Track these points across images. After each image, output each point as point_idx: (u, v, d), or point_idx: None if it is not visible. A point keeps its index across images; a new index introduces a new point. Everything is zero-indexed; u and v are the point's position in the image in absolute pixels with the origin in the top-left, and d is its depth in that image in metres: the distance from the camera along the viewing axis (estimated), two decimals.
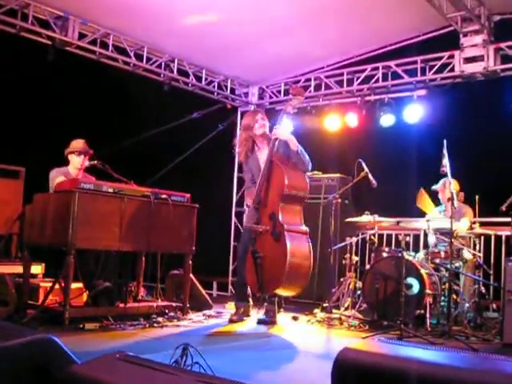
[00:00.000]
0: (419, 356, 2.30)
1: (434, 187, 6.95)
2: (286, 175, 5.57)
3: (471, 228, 6.57)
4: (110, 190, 5.47)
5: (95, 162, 6.09)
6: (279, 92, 9.66)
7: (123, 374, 1.94)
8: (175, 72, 8.64)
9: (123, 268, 5.97)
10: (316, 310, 6.71)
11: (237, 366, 4.06)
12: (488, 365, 2.31)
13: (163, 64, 8.50)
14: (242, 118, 9.72)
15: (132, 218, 5.59)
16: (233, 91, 9.75)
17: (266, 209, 5.62)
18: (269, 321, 6.07)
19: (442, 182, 6.81)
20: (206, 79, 9.15)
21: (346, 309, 6.58)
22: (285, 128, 5.95)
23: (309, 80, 9.16)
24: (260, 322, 6.05)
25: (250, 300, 6.32)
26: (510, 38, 7.35)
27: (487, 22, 7.37)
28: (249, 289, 6.18)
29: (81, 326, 5.06)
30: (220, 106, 9.72)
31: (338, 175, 8.07)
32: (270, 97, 9.82)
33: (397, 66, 8.26)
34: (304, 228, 5.69)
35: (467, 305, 6.13)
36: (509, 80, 7.46)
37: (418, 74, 8.08)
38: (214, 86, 9.36)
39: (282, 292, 5.56)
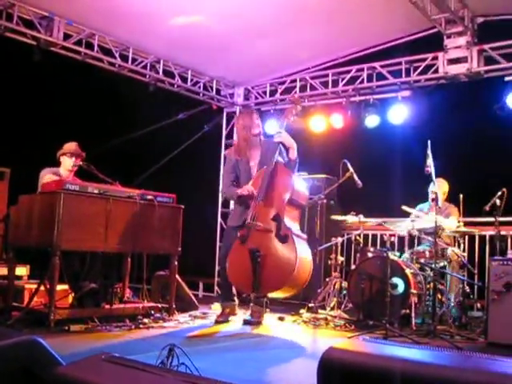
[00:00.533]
0: (404, 355, 2.32)
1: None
2: (294, 180, 5.69)
3: (456, 227, 6.62)
4: (96, 191, 5.45)
5: (80, 162, 6.08)
6: (265, 93, 9.68)
7: (108, 375, 1.94)
8: (161, 73, 8.63)
9: (109, 269, 5.95)
10: (302, 311, 6.73)
11: (223, 366, 4.06)
12: (472, 363, 2.34)
13: (149, 65, 8.49)
14: (227, 119, 9.81)
15: (117, 218, 5.58)
16: (218, 92, 9.75)
17: (268, 209, 5.58)
18: (255, 321, 6.06)
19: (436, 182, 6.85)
20: (191, 80, 9.14)
21: (332, 309, 6.61)
22: (286, 134, 5.95)
23: (294, 81, 9.19)
24: (246, 322, 6.05)
25: (236, 299, 6.31)
26: (493, 40, 7.42)
27: (471, 23, 7.43)
28: (234, 288, 6.17)
29: (66, 327, 5.03)
30: (206, 106, 9.71)
31: (323, 176, 8.11)
32: (256, 98, 9.83)
33: (381, 67, 8.31)
34: (304, 235, 5.76)
35: (452, 304, 6.19)
36: (492, 81, 7.53)
37: (403, 75, 8.13)
38: (199, 87, 9.35)
39: (276, 294, 5.54)
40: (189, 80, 9.09)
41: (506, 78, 7.35)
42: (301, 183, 5.84)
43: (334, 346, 2.24)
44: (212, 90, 9.57)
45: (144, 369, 1.95)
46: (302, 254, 5.34)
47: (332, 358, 2.17)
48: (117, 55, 8.06)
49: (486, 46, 7.47)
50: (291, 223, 5.55)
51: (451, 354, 2.59)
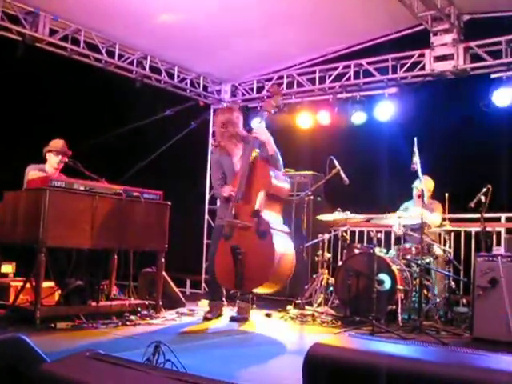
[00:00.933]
0: (389, 351, 2.33)
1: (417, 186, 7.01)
2: (272, 174, 5.60)
3: (441, 225, 6.66)
4: (82, 188, 5.42)
5: (67, 159, 6.05)
6: (252, 89, 9.68)
7: (93, 372, 1.93)
8: (147, 69, 8.61)
9: (95, 266, 5.92)
10: (289, 307, 6.73)
11: (210, 363, 4.06)
12: (457, 359, 2.35)
13: (135, 61, 8.45)
14: (214, 116, 9.76)
15: (104, 215, 5.55)
16: (205, 88, 9.73)
17: (247, 205, 5.58)
18: (241, 318, 6.07)
19: (418, 180, 6.87)
20: (178, 76, 9.12)
21: (319, 305, 6.61)
22: (264, 129, 5.92)
23: (281, 78, 9.20)
24: (233, 319, 6.06)
25: (224, 300, 6.31)
26: (479, 37, 7.47)
27: (457, 21, 7.47)
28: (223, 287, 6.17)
29: (52, 325, 5.01)
30: (192, 103, 9.69)
31: (310, 172, 8.12)
32: (243, 94, 9.83)
33: (368, 64, 8.34)
34: (287, 228, 5.72)
35: (438, 300, 6.22)
36: (478, 78, 7.57)
37: (390, 72, 8.17)
38: (186, 84, 9.33)
39: (260, 290, 5.54)
40: (175, 76, 9.07)
41: (492, 76, 7.39)
42: (280, 177, 5.75)
43: (319, 342, 2.25)
44: (199, 86, 9.55)
45: (129, 366, 1.95)
46: (281, 249, 5.31)
47: (317, 354, 2.18)
48: (103, 51, 8.02)
49: (472, 44, 7.52)
50: (271, 218, 5.52)
51: (436, 349, 2.61)
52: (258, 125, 5.84)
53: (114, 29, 7.80)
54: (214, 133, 9.64)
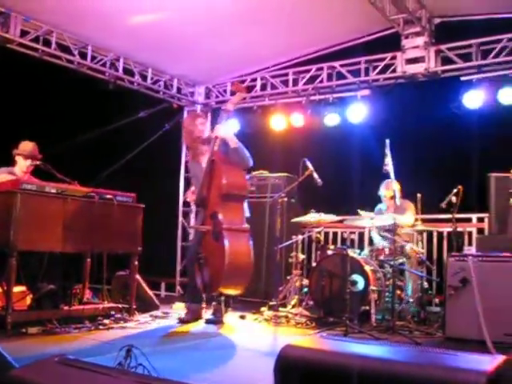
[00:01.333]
0: (361, 351, 2.35)
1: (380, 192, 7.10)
2: (224, 174, 5.55)
3: (414, 225, 6.72)
4: (53, 191, 5.36)
5: (37, 162, 5.98)
6: (225, 91, 9.66)
7: (61, 378, 1.91)
8: (120, 71, 8.55)
9: (68, 270, 5.87)
10: (263, 309, 6.73)
11: (183, 366, 4.05)
12: (428, 359, 2.38)
13: (108, 62, 8.39)
14: (182, 123, 9.73)
15: (76, 218, 5.50)
16: (179, 90, 9.69)
17: (207, 209, 5.62)
18: (216, 320, 6.07)
19: (384, 183, 6.95)
20: (151, 78, 9.08)
21: (293, 306, 6.63)
22: (225, 126, 5.91)
23: (255, 80, 9.20)
24: (208, 321, 6.05)
25: (203, 302, 6.31)
26: (449, 41, 7.55)
27: (428, 24, 7.56)
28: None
29: (24, 330, 4.94)
30: (166, 105, 9.65)
31: (284, 174, 8.12)
32: (217, 96, 9.81)
33: (341, 66, 8.38)
34: (245, 226, 5.66)
35: (411, 300, 6.28)
36: (449, 81, 7.66)
37: (362, 75, 8.23)
38: (159, 85, 9.29)
39: (225, 291, 5.56)
40: (149, 78, 9.02)
41: (462, 78, 7.49)
42: (237, 174, 5.70)
43: (290, 344, 2.26)
44: (173, 88, 9.51)
45: (98, 370, 1.94)
46: (232, 248, 5.31)
47: (288, 356, 2.19)
48: (75, 52, 7.95)
49: (442, 47, 7.61)
50: (229, 218, 5.50)
51: (408, 349, 2.64)
52: (218, 124, 5.81)
53: (87, 30, 7.73)
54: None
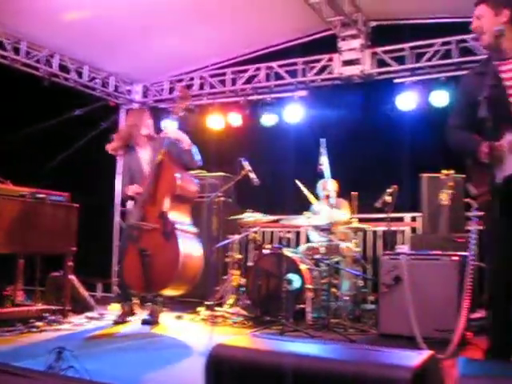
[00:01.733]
0: (292, 350, 2.36)
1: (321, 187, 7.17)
2: (177, 176, 5.54)
3: (349, 223, 6.82)
4: None
5: None
6: (163, 90, 9.58)
7: None
8: (56, 67, 8.35)
9: None
10: (200, 309, 6.70)
11: (116, 368, 3.98)
12: (358, 355, 2.42)
13: (43, 59, 8.18)
14: (126, 116, 9.60)
15: (8, 218, 5.36)
16: (116, 88, 9.55)
17: (154, 207, 5.54)
18: (152, 321, 6.00)
19: (321, 182, 7.03)
20: (88, 75, 8.91)
21: (230, 306, 6.62)
22: (175, 127, 5.90)
23: (193, 79, 9.16)
24: (144, 322, 5.98)
25: (133, 299, 6.22)
26: (385, 44, 7.71)
27: (364, 27, 7.69)
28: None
29: None
30: (103, 103, 9.49)
31: (221, 174, 8.11)
32: (154, 95, 9.72)
33: (279, 66, 8.44)
34: (194, 229, 5.69)
35: (346, 298, 6.37)
36: (384, 83, 7.81)
37: (299, 75, 8.30)
38: (96, 83, 9.13)
39: (168, 292, 5.51)
40: (85, 75, 8.85)
41: (396, 80, 7.65)
42: (187, 177, 5.73)
43: (221, 343, 2.25)
44: (109, 86, 9.37)
45: (24, 374, 1.88)
46: (186, 250, 5.30)
47: (219, 355, 2.19)
48: (9, 48, 7.72)
49: (378, 50, 7.76)
50: (178, 219, 5.50)
51: (340, 347, 2.67)
52: (169, 125, 5.81)
53: (21, 25, 7.51)
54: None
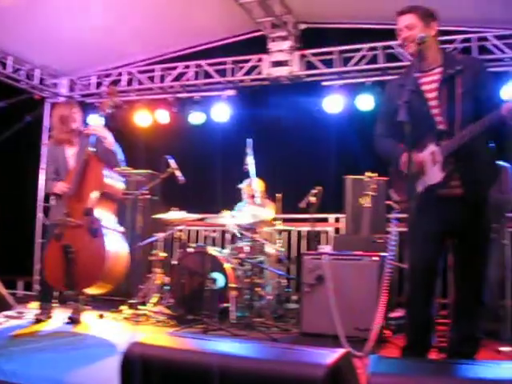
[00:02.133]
0: (207, 348, 2.37)
1: (241, 185, 7.20)
2: (105, 173, 5.47)
3: (274, 223, 6.88)
4: None
5: None
6: (90, 85, 9.39)
7: None
8: None
9: None
10: (123, 307, 6.61)
11: (34, 368, 3.86)
12: (278, 354, 2.44)
13: None
14: (51, 110, 9.34)
15: None
16: (42, 81, 9.28)
17: (79, 204, 5.42)
18: (74, 319, 5.88)
19: (246, 181, 7.06)
20: (12, 67, 8.62)
21: (154, 305, 6.55)
22: (100, 125, 5.79)
23: (121, 74, 9.02)
24: (66, 321, 5.85)
25: (53, 300, 6.07)
26: (314, 47, 7.82)
27: (294, 29, 7.79)
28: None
29: None
30: (27, 96, 9.19)
31: (147, 171, 7.99)
32: (81, 89, 9.50)
33: (208, 65, 8.42)
34: (120, 227, 5.62)
35: (270, 297, 6.42)
36: (312, 85, 7.92)
37: (228, 75, 8.31)
38: (20, 75, 8.85)
39: (93, 290, 5.40)
40: (9, 66, 8.56)
41: (324, 83, 7.77)
42: (114, 176, 5.65)
43: (136, 342, 2.23)
44: (34, 78, 9.10)
45: None
46: (112, 248, 5.24)
47: (134, 354, 2.16)
48: None
49: (306, 52, 7.87)
50: (104, 217, 5.43)
51: (258, 345, 2.69)
52: (95, 121, 5.70)
53: None
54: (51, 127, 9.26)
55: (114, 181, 5.61)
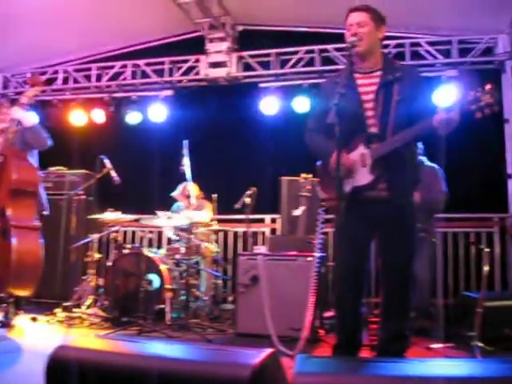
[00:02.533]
0: (135, 350, 2.37)
1: (173, 194, 7.20)
2: (15, 169, 5.24)
3: (210, 225, 6.90)
4: None
5: None
6: (25, 82, 9.17)
7: None
8: None
9: None
10: (57, 310, 6.48)
11: None
12: (205, 355, 2.46)
13: None
14: None
15: None
16: None
17: None
18: (6, 323, 5.73)
19: (180, 186, 7.07)
20: None
21: (88, 307, 6.45)
22: (16, 108, 5.56)
23: (56, 72, 8.85)
24: None
25: None
26: (251, 48, 7.89)
27: (232, 30, 7.84)
28: None
29: None
30: None
31: (82, 171, 7.86)
32: (16, 87, 9.27)
33: (145, 65, 8.38)
34: (35, 223, 5.38)
35: (206, 298, 6.43)
36: (249, 86, 7.98)
37: (166, 75, 8.28)
38: None
39: (14, 291, 5.27)
40: None
41: (261, 85, 7.83)
42: (28, 169, 5.41)
43: (63, 345, 2.21)
44: None
45: None
46: (20, 246, 5.07)
47: (60, 357, 2.15)
48: None
49: (244, 53, 7.93)
50: (19, 214, 5.23)
51: (186, 347, 2.70)
52: (16, 111, 5.47)
53: None
54: None
55: (26, 173, 5.35)
